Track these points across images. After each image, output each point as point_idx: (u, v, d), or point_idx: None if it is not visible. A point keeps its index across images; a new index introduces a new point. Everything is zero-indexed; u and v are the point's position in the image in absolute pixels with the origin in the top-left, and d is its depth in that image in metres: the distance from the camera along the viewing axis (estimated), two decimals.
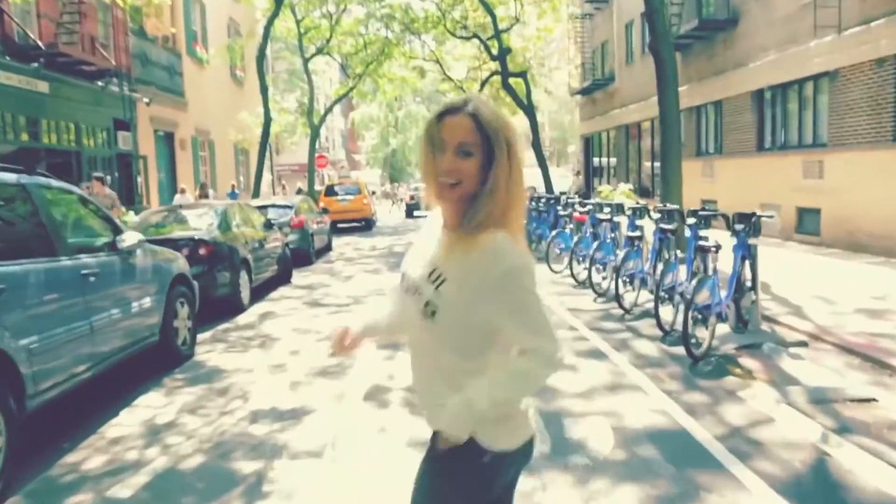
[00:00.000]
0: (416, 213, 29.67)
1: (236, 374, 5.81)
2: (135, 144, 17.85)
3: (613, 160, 25.78)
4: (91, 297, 4.61)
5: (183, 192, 18.86)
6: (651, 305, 7.66)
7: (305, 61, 28.50)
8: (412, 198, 30.54)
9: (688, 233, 6.90)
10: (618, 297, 7.48)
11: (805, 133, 13.09)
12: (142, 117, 18.34)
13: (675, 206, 8.10)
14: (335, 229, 22.39)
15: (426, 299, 1.51)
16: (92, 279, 4.64)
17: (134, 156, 17.84)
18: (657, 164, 21.28)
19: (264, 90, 20.16)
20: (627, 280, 7.63)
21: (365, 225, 22.71)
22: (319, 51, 27.89)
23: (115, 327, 4.94)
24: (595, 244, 8.80)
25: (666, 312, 6.55)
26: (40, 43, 13.03)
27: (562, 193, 13.73)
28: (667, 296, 6.79)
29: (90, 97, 15.51)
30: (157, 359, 6.01)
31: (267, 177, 33.51)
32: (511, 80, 21.88)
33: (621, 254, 7.64)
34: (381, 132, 55.40)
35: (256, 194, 20.05)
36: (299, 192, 25.70)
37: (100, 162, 16.49)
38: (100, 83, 15.42)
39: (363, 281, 11.12)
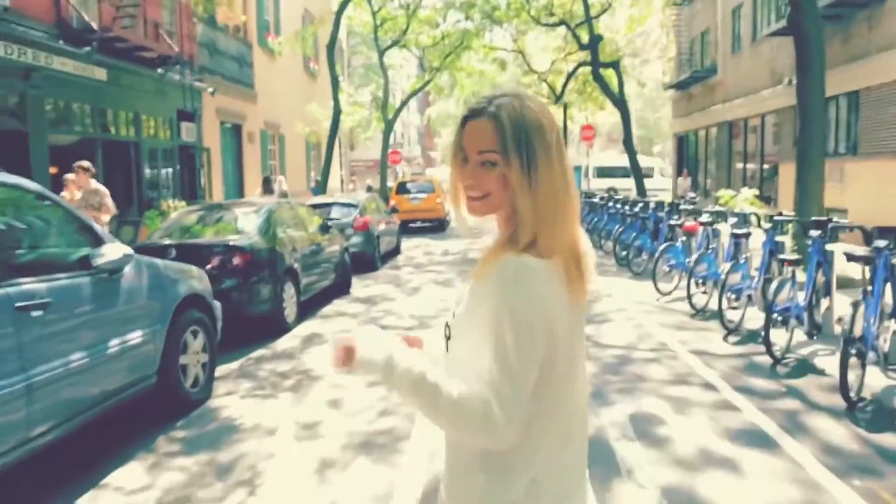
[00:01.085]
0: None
1: (252, 437, 4.32)
2: (199, 136, 16.97)
3: (711, 161, 23.27)
4: (31, 339, 3.19)
5: (280, 182, 17.79)
6: (807, 352, 5.75)
7: (381, 53, 27.36)
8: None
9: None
10: (767, 339, 5.56)
11: None
12: (207, 108, 17.46)
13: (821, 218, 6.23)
14: (406, 230, 21.02)
15: (447, 322, 1.32)
16: (36, 314, 3.22)
17: (197, 148, 16.96)
18: (766, 165, 18.86)
19: (335, 80, 18.95)
20: (779, 317, 5.69)
21: (438, 226, 21.18)
22: (395, 43, 26.64)
23: (75, 378, 3.52)
24: (727, 266, 6.86)
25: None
26: (95, 26, 12.13)
27: (679, 199, 11.54)
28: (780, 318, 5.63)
29: (151, 86, 14.63)
30: (158, 405, 4.61)
31: (339, 173, 32.69)
32: (602, 72, 19.88)
33: (774, 283, 5.70)
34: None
35: (323, 190, 18.86)
36: (369, 189, 24.48)
37: (160, 154, 15.65)
38: (159, 71, 14.49)
39: (431, 294, 9.55)
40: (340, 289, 9.89)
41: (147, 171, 15.06)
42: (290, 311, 7.52)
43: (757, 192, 11.15)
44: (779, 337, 5.70)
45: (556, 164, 1.21)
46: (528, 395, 1.15)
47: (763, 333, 5.58)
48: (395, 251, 15.06)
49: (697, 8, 24.16)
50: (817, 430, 4.19)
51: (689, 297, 7.65)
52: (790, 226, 7.14)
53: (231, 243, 6.72)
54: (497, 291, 1.16)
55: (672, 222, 9.57)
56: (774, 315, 5.61)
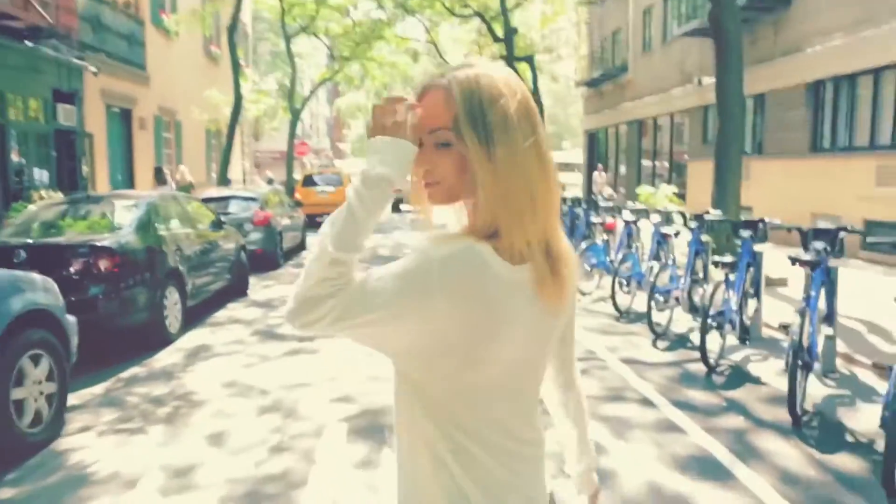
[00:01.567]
0: (402, 206, 27.36)
1: (105, 494, 3.41)
2: (80, 120, 15.26)
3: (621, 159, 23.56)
4: None
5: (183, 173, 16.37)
6: (739, 358, 5.43)
7: (287, 40, 26.06)
8: (398, 190, 28.18)
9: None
10: (703, 347, 5.15)
11: (881, 133, 10.87)
12: (90, 90, 15.74)
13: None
14: (314, 224, 19.96)
15: None
16: None
17: (78, 133, 15.25)
18: (674, 163, 19.17)
19: (235, 65, 17.64)
20: (713, 322, 5.31)
21: None
22: (303, 29, 25.44)
23: None
24: (655, 266, 6.48)
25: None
26: None
27: (597, 195, 11.18)
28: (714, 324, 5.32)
29: (19, 60, 12.91)
30: None
31: (243, 164, 31.00)
32: (516, 66, 19.56)
33: (710, 286, 5.31)
34: (367, 121, 52.72)
35: (223, 183, 17.53)
36: (269, 182, 23.06)
37: (32, 138, 13.91)
38: (27, 43, 12.81)
39: None
40: (236, 291, 8.90)
41: (14, 157, 13.32)
42: (172, 319, 6.52)
43: (675, 189, 11.03)
44: (711, 342, 5.32)
45: (519, 143, 1.00)
46: (334, 316, 1.00)
47: (699, 340, 5.18)
48: (301, 247, 14.10)
49: (609, 7, 24.36)
50: (770, 454, 3.76)
51: (614, 297, 7.26)
52: (711, 224, 6.88)
53: (97, 243, 5.66)
54: (429, 246, 0.99)
55: (592, 219, 9.20)
56: (709, 320, 5.22)
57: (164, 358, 5.94)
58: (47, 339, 4.08)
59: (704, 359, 5.17)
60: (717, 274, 5.66)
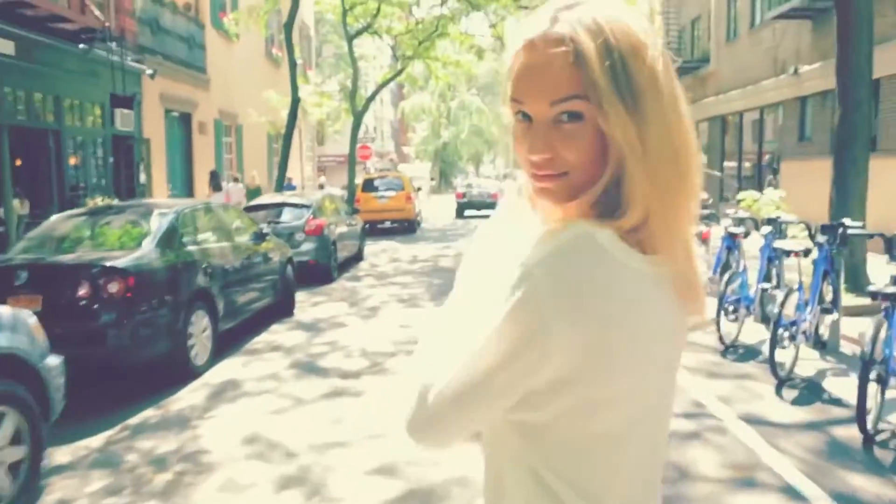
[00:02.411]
0: (468, 212, 26.44)
1: None
2: (138, 125, 14.94)
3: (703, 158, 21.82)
4: None
5: (236, 181, 16.15)
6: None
7: (349, 40, 25.51)
8: (462, 195, 27.49)
9: None
10: (861, 409, 3.88)
11: None
12: (149, 94, 15.44)
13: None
14: (373, 231, 19.21)
15: None
16: None
17: (136, 138, 14.93)
18: (763, 163, 17.41)
19: (292, 64, 16.99)
20: (876, 379, 4.02)
21: (407, 227, 19.36)
22: (365, 29, 24.78)
23: None
24: (777, 292, 5.20)
25: None
26: None
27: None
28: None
29: (74, 64, 12.60)
30: None
31: (304, 168, 30.73)
32: None
33: (870, 326, 4.03)
34: (432, 124, 52.05)
35: (279, 188, 16.95)
36: (321, 188, 22.40)
37: (89, 144, 13.65)
38: (81, 46, 12.46)
39: (392, 318, 7.77)
40: (282, 309, 8.07)
41: (71, 163, 13.04)
42: (200, 348, 5.69)
43: (783, 192, 9.54)
44: (842, 387, 4.05)
45: (669, 108, 0.78)
46: (470, 415, 0.79)
47: (857, 400, 3.90)
48: (357, 257, 13.26)
49: None
50: None
51: (718, 327, 5.99)
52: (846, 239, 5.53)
53: (108, 263, 4.86)
54: (530, 255, 0.76)
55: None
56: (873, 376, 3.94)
57: (185, 397, 5.09)
58: (12, 393, 3.24)
59: (862, 423, 3.90)
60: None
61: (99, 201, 11.77)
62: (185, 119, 18.14)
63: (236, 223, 7.35)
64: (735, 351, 5.92)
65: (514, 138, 0.83)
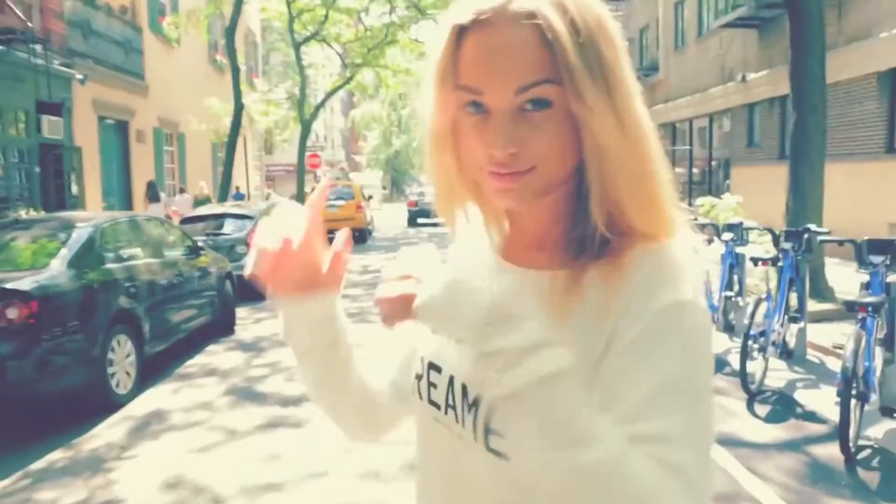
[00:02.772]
0: (420, 220, 26.10)
1: None
2: (68, 133, 14.06)
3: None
4: None
5: (182, 191, 15.41)
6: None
7: (296, 47, 24.92)
8: (415, 203, 27.20)
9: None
10: (844, 428, 3.60)
11: None
12: (80, 101, 14.56)
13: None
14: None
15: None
16: None
17: (66, 147, 14.05)
18: (713, 167, 17.57)
19: (235, 70, 16.34)
20: (857, 395, 3.76)
21: (358, 237, 18.83)
22: (313, 36, 24.23)
23: None
24: (752, 306, 4.89)
25: None
26: None
27: None
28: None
29: None
30: None
31: (252, 178, 29.86)
32: None
33: (849, 339, 3.76)
34: (383, 132, 51.59)
35: (223, 198, 16.24)
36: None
37: (11, 153, 12.73)
38: (1, 48, 11.61)
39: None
40: (221, 328, 7.50)
41: None
42: (122, 376, 5.11)
43: (740, 198, 9.40)
44: (815, 400, 3.77)
45: (636, 91, 0.71)
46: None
47: (839, 418, 3.62)
48: None
49: (636, 4, 22.85)
50: None
51: (744, 370, 4.69)
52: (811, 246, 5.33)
53: (7, 285, 4.26)
54: (666, 287, 0.64)
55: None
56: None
57: (101, 434, 4.51)
58: None
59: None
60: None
61: (23, 214, 10.94)
62: (122, 127, 17.24)
63: (168, 237, 6.76)
64: (765, 398, 5.52)
65: (441, 137, 0.71)
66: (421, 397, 0.79)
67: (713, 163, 17.72)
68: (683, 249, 0.68)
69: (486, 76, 0.65)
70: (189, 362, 6.35)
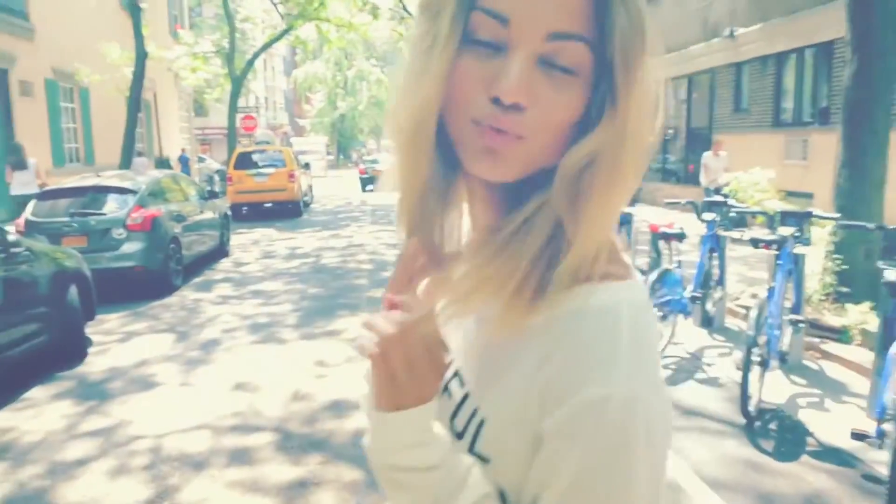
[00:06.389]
0: (369, 188, 24.04)
1: None
2: None
3: None
4: None
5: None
6: None
7: None
8: (364, 171, 25.30)
9: None
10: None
11: None
12: None
13: None
14: (254, 214, 16.19)
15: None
16: None
17: None
18: (692, 137, 15.82)
19: (135, 9, 13.51)
20: None
21: (291, 210, 16.41)
22: None
23: None
24: (756, 310, 3.35)
25: None
26: None
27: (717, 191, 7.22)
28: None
29: None
30: None
31: (179, 141, 26.88)
32: None
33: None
34: (328, 94, 48.41)
35: (125, 165, 13.60)
36: (163, 164, 18.81)
37: None
38: None
39: (230, 368, 5.14)
40: (62, 355, 5.25)
41: None
42: None
43: (772, 172, 7.51)
44: None
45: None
46: None
47: None
48: (220, 253, 10.40)
49: None
50: None
51: (745, 389, 3.62)
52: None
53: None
54: (596, 375, 0.54)
55: (719, 232, 5.37)
56: None
57: None
58: None
59: None
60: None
61: None
62: (1, 77, 14.31)
63: None
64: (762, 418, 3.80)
65: (424, 72, 0.57)
66: None
67: (692, 131, 15.94)
68: (631, 303, 0.56)
69: (519, 3, 0.54)
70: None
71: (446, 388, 0.65)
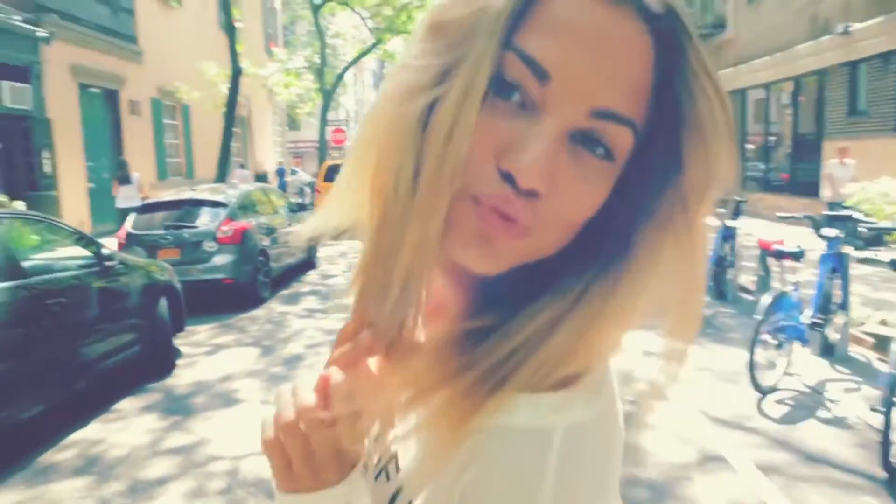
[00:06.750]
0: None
1: None
2: (38, 102, 12.10)
3: None
4: None
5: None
6: None
7: (315, 9, 22.76)
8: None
9: None
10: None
11: None
12: (54, 65, 12.54)
13: None
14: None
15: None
16: None
17: (35, 119, 12.08)
18: (798, 142, 14.75)
19: (230, 28, 14.03)
20: None
21: None
22: None
23: None
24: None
25: None
26: None
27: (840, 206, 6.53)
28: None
29: None
30: None
31: (273, 155, 27.92)
32: None
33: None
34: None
35: (221, 178, 14.13)
36: (260, 178, 19.20)
37: None
38: None
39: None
40: (151, 366, 5.36)
41: None
42: None
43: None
44: None
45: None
46: None
47: None
48: (308, 265, 10.55)
49: None
50: None
51: (887, 441, 3.15)
52: None
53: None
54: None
55: (844, 250, 4.80)
56: None
57: None
58: None
59: None
60: None
61: None
62: (111, 97, 15.24)
63: (68, 242, 4.58)
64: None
65: (405, 127, 0.46)
66: None
67: (799, 137, 14.87)
68: (575, 426, 0.47)
69: (568, 60, 0.43)
70: (74, 437, 4.18)
71: (384, 471, 0.57)
